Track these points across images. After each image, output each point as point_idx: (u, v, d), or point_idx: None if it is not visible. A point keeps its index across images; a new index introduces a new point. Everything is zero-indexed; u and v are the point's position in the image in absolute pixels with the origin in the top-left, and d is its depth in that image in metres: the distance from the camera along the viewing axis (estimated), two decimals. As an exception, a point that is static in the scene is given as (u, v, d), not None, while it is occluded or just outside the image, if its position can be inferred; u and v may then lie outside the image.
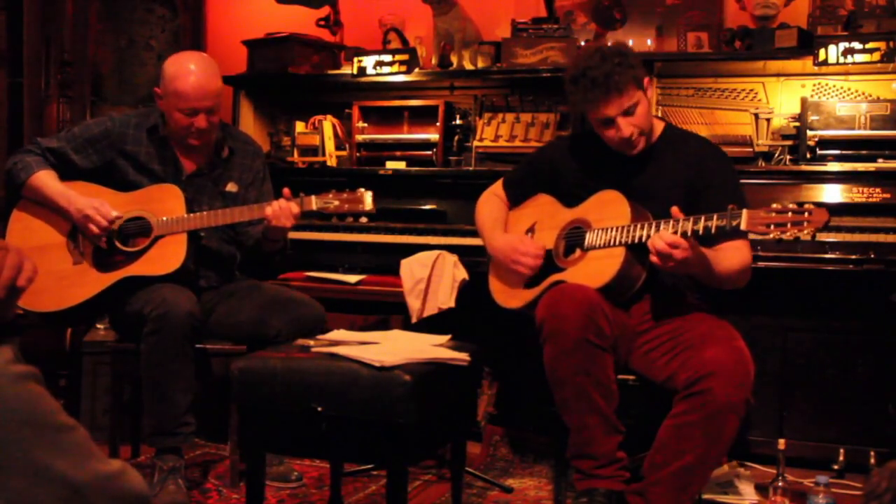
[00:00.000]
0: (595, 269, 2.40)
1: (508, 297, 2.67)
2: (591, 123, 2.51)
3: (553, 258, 2.57)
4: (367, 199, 2.76)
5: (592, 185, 2.55)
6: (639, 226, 2.34)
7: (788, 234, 2.12)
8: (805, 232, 2.11)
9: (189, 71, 2.79)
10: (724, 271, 2.37)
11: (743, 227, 2.16)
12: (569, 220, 2.58)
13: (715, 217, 2.21)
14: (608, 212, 2.45)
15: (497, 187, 2.83)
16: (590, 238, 2.46)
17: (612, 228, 2.39)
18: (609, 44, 2.54)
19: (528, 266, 2.57)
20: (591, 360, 2.28)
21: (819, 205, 2.15)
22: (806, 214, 2.11)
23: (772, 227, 2.13)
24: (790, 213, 2.12)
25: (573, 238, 2.54)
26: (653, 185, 2.48)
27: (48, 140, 2.92)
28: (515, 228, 2.73)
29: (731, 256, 2.39)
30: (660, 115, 3.44)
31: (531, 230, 2.68)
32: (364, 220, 3.37)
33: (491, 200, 2.82)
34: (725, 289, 2.43)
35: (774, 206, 2.14)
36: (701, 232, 2.22)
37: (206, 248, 2.92)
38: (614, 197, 2.46)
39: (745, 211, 2.16)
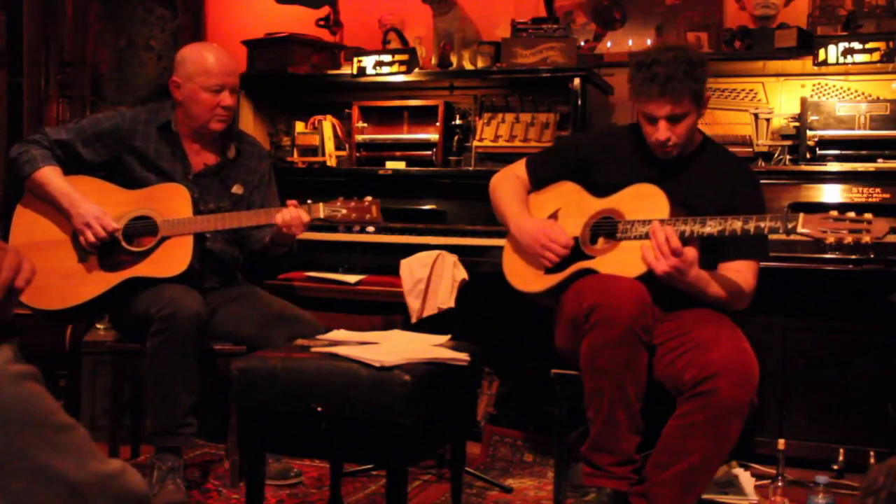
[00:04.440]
0: (628, 259, 2.37)
1: (527, 280, 2.62)
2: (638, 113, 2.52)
3: (580, 245, 2.54)
4: (375, 208, 2.79)
5: (625, 184, 2.53)
6: (682, 220, 2.33)
7: (847, 240, 2.13)
8: (864, 240, 2.12)
9: (210, 51, 2.90)
10: (722, 295, 2.38)
11: (800, 229, 2.17)
12: (599, 210, 2.54)
13: (768, 218, 2.21)
14: (644, 205, 2.43)
15: (519, 168, 2.78)
16: (623, 228, 2.44)
17: (654, 219, 2.36)
18: (691, 49, 2.49)
19: (556, 254, 2.53)
20: (634, 354, 2.27)
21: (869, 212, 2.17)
22: (865, 224, 2.12)
23: (828, 231, 2.14)
24: (849, 221, 2.13)
25: (602, 227, 2.52)
26: (685, 196, 2.46)
27: (56, 131, 2.90)
28: (536, 213, 2.69)
29: (735, 280, 2.39)
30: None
31: (554, 216, 2.64)
32: (371, 229, 3.37)
33: (511, 180, 2.77)
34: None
35: (832, 213, 2.16)
36: (752, 232, 2.23)
37: (211, 250, 2.93)
38: (652, 191, 2.44)
39: (801, 215, 2.17)
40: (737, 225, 2.24)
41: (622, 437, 2.30)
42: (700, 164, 2.53)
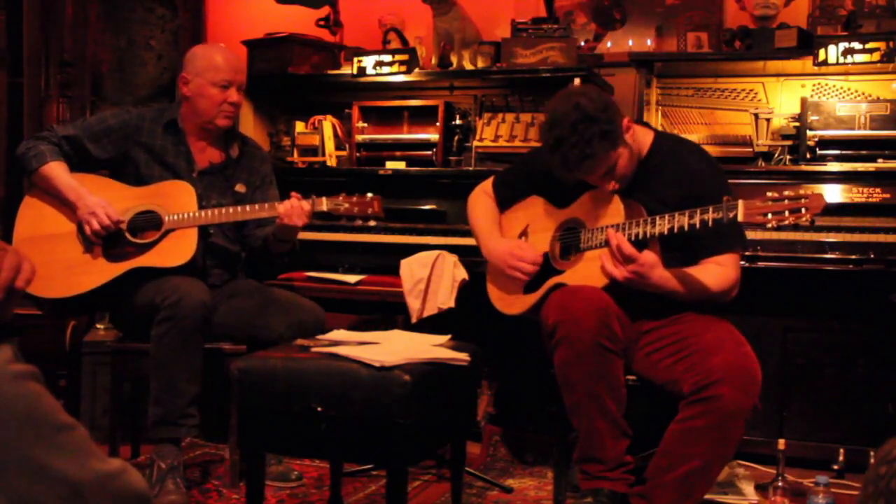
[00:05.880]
0: (594, 269, 2.38)
1: (508, 303, 2.66)
2: None
3: (550, 261, 2.56)
4: (376, 203, 2.83)
5: (585, 191, 2.53)
6: (633, 223, 2.33)
7: (787, 221, 2.09)
8: (804, 218, 2.09)
9: (219, 50, 2.98)
10: (697, 292, 2.36)
11: (740, 218, 2.13)
12: (562, 221, 2.56)
13: (710, 209, 2.19)
14: (601, 210, 2.44)
15: (487, 186, 2.81)
16: (585, 238, 2.45)
17: (607, 227, 2.37)
18: (582, 101, 2.32)
19: (525, 272, 2.56)
20: (603, 365, 2.27)
21: None
22: (803, 200, 2.09)
23: (769, 215, 2.10)
24: (787, 201, 2.10)
25: (568, 238, 2.53)
26: (645, 200, 2.44)
27: (64, 128, 2.95)
28: (508, 232, 2.72)
29: (711, 275, 2.37)
30: (660, 115, 3.44)
31: (524, 233, 2.67)
32: (372, 223, 3.41)
33: (483, 200, 2.80)
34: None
35: (770, 193, 2.12)
36: (698, 226, 2.20)
37: (213, 245, 2.95)
38: (606, 195, 2.45)
39: (740, 202, 2.14)
40: (683, 220, 2.23)
41: (607, 446, 2.31)
42: (655, 163, 2.50)
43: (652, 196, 2.43)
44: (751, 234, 2.91)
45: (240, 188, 3.01)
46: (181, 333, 2.62)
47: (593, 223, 2.44)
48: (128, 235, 2.82)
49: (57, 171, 2.83)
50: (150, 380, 2.69)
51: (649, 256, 2.27)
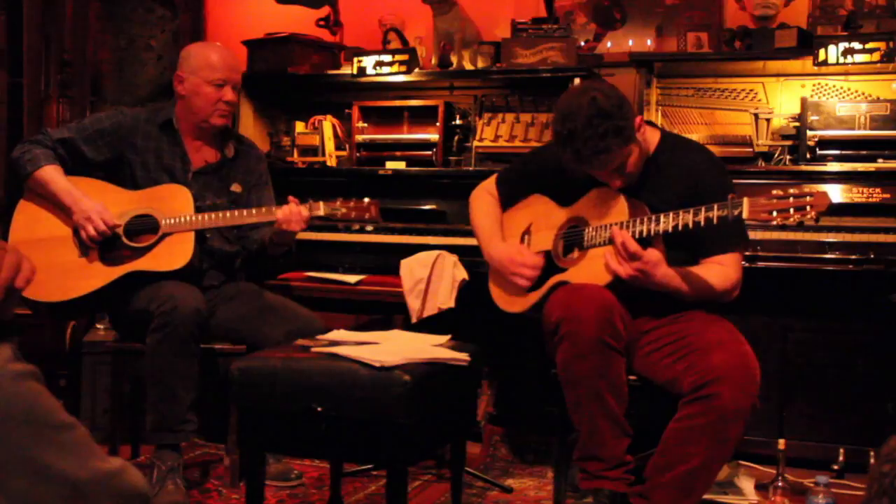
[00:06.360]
0: (598, 267, 2.38)
1: (510, 301, 2.66)
2: None
3: (553, 259, 2.56)
4: (374, 208, 2.82)
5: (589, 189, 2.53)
6: (638, 220, 2.33)
7: (792, 219, 2.09)
8: (809, 216, 2.08)
9: (214, 48, 2.98)
10: (700, 291, 2.36)
11: (745, 215, 2.13)
12: (565, 220, 2.56)
13: (715, 207, 2.18)
14: (605, 208, 2.44)
15: (490, 185, 2.81)
16: (589, 236, 2.45)
17: (611, 225, 2.38)
18: (598, 96, 2.31)
19: (525, 277, 2.56)
20: (606, 363, 2.27)
21: None
22: (808, 198, 2.08)
23: (774, 213, 2.10)
24: (792, 199, 2.09)
25: (571, 237, 2.53)
26: (650, 199, 2.43)
27: (58, 131, 2.94)
28: (511, 231, 2.71)
29: (713, 274, 2.37)
30: (660, 115, 3.44)
31: (527, 232, 2.67)
32: (370, 227, 3.41)
33: (485, 199, 2.80)
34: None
35: (775, 191, 2.12)
36: (703, 223, 2.20)
37: (210, 247, 2.94)
38: (610, 193, 2.45)
39: (746, 199, 2.14)
40: (688, 218, 2.23)
41: (608, 444, 2.30)
42: (661, 162, 2.50)
43: (657, 195, 2.43)
44: (751, 234, 2.90)
45: (235, 188, 3.01)
46: (176, 342, 2.62)
47: (597, 221, 2.44)
48: (124, 239, 2.81)
49: (52, 174, 2.81)
50: (147, 387, 2.68)
51: (654, 254, 2.28)
